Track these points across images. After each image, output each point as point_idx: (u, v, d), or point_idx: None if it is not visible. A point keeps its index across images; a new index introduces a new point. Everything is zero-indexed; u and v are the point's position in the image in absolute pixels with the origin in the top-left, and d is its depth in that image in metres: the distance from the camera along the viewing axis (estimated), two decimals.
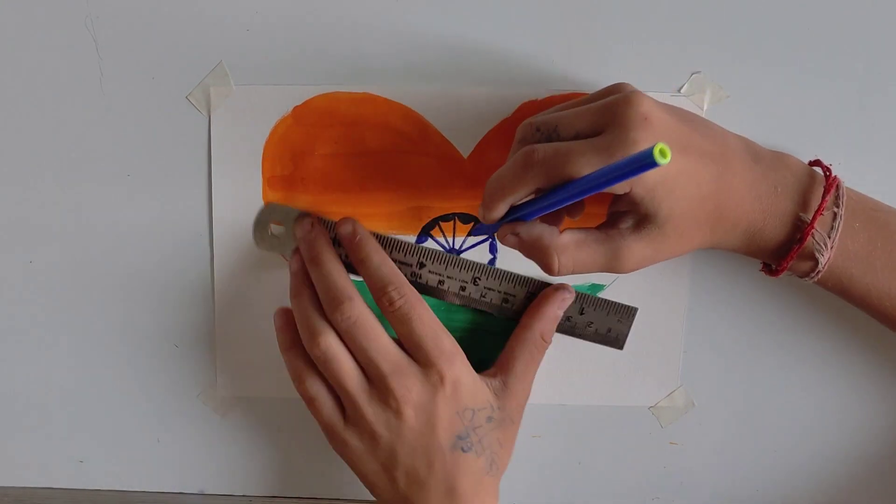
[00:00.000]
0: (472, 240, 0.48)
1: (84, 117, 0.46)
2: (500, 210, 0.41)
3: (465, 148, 0.46)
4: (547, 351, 0.47)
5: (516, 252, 0.45)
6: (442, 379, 0.44)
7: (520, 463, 0.51)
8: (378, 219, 0.47)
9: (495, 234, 0.43)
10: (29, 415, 0.51)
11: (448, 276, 0.47)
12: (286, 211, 0.47)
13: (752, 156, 0.41)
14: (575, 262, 0.40)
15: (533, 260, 0.41)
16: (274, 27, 0.45)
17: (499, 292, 0.48)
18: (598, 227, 0.41)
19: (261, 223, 0.47)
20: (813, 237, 0.40)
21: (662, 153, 0.31)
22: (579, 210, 0.42)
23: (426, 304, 0.45)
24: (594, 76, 0.45)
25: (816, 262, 0.41)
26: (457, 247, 0.48)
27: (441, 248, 0.48)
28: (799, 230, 0.40)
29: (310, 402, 0.46)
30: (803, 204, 0.41)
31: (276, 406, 0.51)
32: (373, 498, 0.46)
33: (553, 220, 0.42)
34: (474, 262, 0.47)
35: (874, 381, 0.50)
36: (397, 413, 0.43)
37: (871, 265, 0.41)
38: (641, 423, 0.51)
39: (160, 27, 0.45)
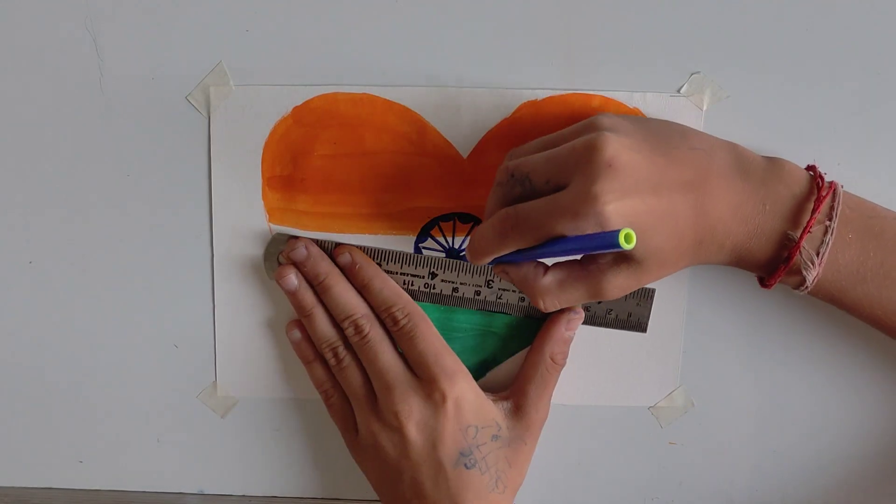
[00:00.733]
0: (469, 242, 0.48)
1: (84, 117, 0.46)
2: (488, 260, 0.42)
3: (464, 148, 0.46)
4: None
5: None
6: (444, 397, 0.44)
7: None
8: (378, 219, 0.47)
9: None
10: (29, 415, 0.51)
11: (462, 283, 0.47)
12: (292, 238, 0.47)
13: (740, 172, 0.40)
14: (559, 301, 0.41)
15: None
16: (274, 27, 0.45)
17: (514, 291, 0.48)
18: (581, 261, 0.41)
19: (270, 254, 0.48)
20: (800, 255, 0.40)
21: (627, 239, 0.32)
22: None
23: (430, 323, 0.46)
24: (594, 76, 0.45)
25: (804, 278, 0.41)
26: (456, 247, 0.48)
27: (442, 249, 0.48)
28: (787, 248, 0.40)
29: (330, 407, 0.48)
30: (793, 220, 0.40)
31: (276, 406, 0.51)
32: (371, 498, 0.46)
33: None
34: (487, 266, 0.47)
35: (874, 381, 0.50)
36: (399, 429, 0.44)
37: (862, 276, 0.41)
38: (641, 424, 0.51)
39: (160, 27, 0.45)
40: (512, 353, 0.49)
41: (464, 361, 0.48)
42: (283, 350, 0.50)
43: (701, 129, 0.45)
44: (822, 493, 0.52)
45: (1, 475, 0.53)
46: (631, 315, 0.48)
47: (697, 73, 0.45)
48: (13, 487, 0.53)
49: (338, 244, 0.47)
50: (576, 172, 0.38)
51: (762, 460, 0.51)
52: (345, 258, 0.47)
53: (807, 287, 0.41)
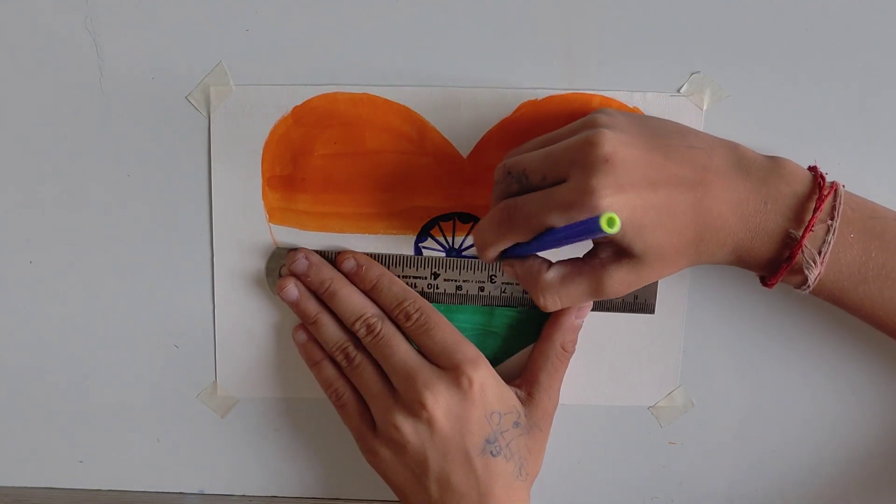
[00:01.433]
0: (472, 238, 0.48)
1: (84, 117, 0.46)
2: (492, 256, 0.42)
3: (464, 148, 0.46)
4: None
5: None
6: (471, 382, 0.44)
7: None
8: (378, 219, 0.47)
9: None
10: (29, 415, 0.51)
11: (464, 281, 0.47)
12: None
13: (740, 170, 0.40)
14: (561, 298, 0.41)
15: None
16: (274, 27, 0.45)
17: (518, 284, 0.48)
18: (584, 257, 0.41)
19: (272, 269, 0.48)
20: (802, 254, 0.40)
21: (610, 223, 0.32)
22: None
23: (442, 315, 0.46)
24: (594, 76, 0.45)
25: (806, 277, 0.40)
26: (457, 246, 0.48)
27: (442, 249, 0.48)
28: (788, 247, 0.40)
29: (341, 409, 0.47)
30: (795, 219, 0.40)
31: (276, 406, 0.51)
32: (371, 498, 0.46)
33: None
34: (487, 262, 0.47)
35: (873, 381, 0.50)
36: (428, 420, 0.44)
37: (864, 276, 0.41)
38: (641, 423, 0.51)
39: (160, 27, 0.45)
40: (512, 352, 0.49)
41: None
42: (284, 350, 0.50)
43: (701, 129, 0.45)
44: (822, 492, 0.52)
45: (1, 475, 0.53)
46: (637, 297, 0.48)
47: (697, 72, 0.45)
48: (13, 487, 0.53)
49: (339, 252, 0.47)
50: (573, 168, 0.38)
51: (762, 460, 0.51)
52: (349, 263, 0.47)
53: (808, 286, 0.41)
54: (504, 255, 0.42)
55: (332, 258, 0.47)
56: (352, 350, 0.46)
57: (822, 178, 0.41)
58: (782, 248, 0.40)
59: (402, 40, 0.45)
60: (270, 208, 0.47)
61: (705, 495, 0.52)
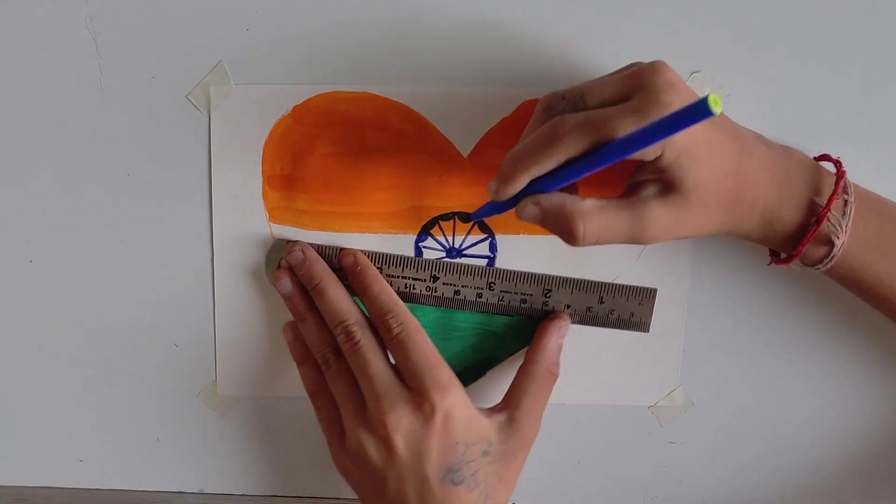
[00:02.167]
0: (473, 238, 0.48)
1: (84, 117, 0.46)
2: (522, 182, 0.39)
3: (464, 147, 0.46)
4: None
5: (515, 252, 0.44)
6: (433, 410, 0.43)
7: None
8: (378, 218, 0.47)
9: (512, 209, 0.41)
10: (29, 414, 0.51)
11: (463, 286, 0.47)
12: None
13: (764, 143, 0.42)
14: (599, 229, 0.39)
15: (555, 232, 0.39)
16: (274, 27, 0.45)
17: (515, 293, 0.48)
18: (623, 195, 0.40)
19: (271, 260, 0.48)
20: (829, 220, 0.40)
21: (716, 102, 0.31)
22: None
23: (425, 335, 0.45)
24: (594, 75, 0.45)
25: (831, 247, 0.41)
26: (457, 246, 0.48)
27: (442, 248, 0.48)
28: (814, 213, 0.41)
29: (317, 410, 0.47)
30: (816, 189, 0.41)
31: (276, 405, 0.51)
32: None
33: (570, 192, 0.40)
34: (487, 268, 0.47)
35: (874, 380, 0.50)
36: (386, 440, 0.43)
37: (884, 252, 0.41)
38: (641, 423, 0.51)
39: (160, 27, 0.45)
40: (511, 352, 0.49)
41: (463, 360, 0.48)
42: (283, 350, 0.49)
43: None
44: (822, 492, 0.52)
45: (1, 474, 0.53)
46: (633, 314, 0.48)
47: (698, 72, 0.45)
48: (13, 486, 0.53)
49: (342, 249, 0.47)
50: (638, 91, 0.37)
51: (762, 459, 0.51)
52: (348, 260, 0.47)
53: (833, 257, 0.41)
54: (525, 192, 0.40)
55: (336, 253, 0.47)
56: (331, 356, 0.46)
57: (838, 161, 0.42)
58: (808, 214, 0.41)
59: (402, 39, 0.45)
60: (271, 207, 0.47)
61: (705, 495, 0.52)
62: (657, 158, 0.37)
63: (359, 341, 0.45)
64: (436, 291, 0.47)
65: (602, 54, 0.45)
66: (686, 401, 0.50)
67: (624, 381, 0.50)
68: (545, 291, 0.48)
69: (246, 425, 0.51)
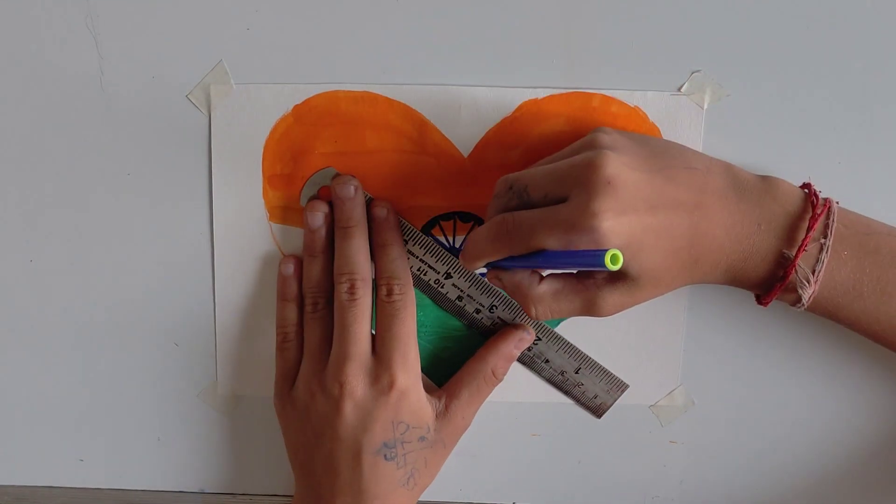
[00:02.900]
0: (464, 245, 0.48)
1: (84, 117, 0.46)
2: (480, 264, 0.42)
3: (465, 147, 0.46)
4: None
5: None
6: (392, 384, 0.44)
7: (519, 462, 0.51)
8: None
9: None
10: (29, 414, 0.51)
11: (468, 296, 0.47)
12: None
13: (736, 192, 0.40)
14: (552, 311, 0.41)
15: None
16: (274, 26, 0.45)
17: (507, 322, 0.48)
18: (576, 275, 0.41)
19: (314, 183, 0.47)
20: (796, 273, 0.40)
21: (613, 260, 0.33)
22: None
23: (414, 315, 0.46)
24: (595, 75, 0.45)
25: (800, 296, 0.41)
26: (457, 246, 0.48)
27: (442, 249, 0.48)
28: (782, 266, 0.40)
29: (280, 352, 0.48)
30: (788, 239, 0.40)
31: None
32: None
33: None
34: (497, 291, 0.47)
35: (873, 380, 0.50)
36: (337, 402, 0.44)
37: (859, 293, 0.41)
38: (641, 422, 0.51)
39: (160, 26, 0.45)
40: None
41: (458, 360, 0.48)
42: None
43: (701, 128, 0.45)
44: (822, 492, 0.52)
45: (1, 473, 0.53)
46: (596, 397, 0.49)
47: (698, 71, 0.45)
48: (14, 486, 0.53)
49: (375, 199, 0.47)
50: (574, 188, 0.38)
51: (762, 459, 0.51)
52: (381, 211, 0.46)
53: (803, 305, 0.41)
54: (491, 266, 0.42)
55: (368, 201, 0.47)
56: (322, 301, 0.47)
57: (816, 196, 0.41)
58: (776, 268, 0.40)
59: (403, 39, 0.45)
60: (271, 207, 0.47)
61: (705, 494, 0.52)
62: None
63: (359, 299, 0.45)
64: (442, 287, 0.47)
65: (603, 53, 0.45)
66: (687, 400, 0.50)
67: (625, 381, 0.50)
68: (536, 340, 0.48)
69: (246, 425, 0.51)
